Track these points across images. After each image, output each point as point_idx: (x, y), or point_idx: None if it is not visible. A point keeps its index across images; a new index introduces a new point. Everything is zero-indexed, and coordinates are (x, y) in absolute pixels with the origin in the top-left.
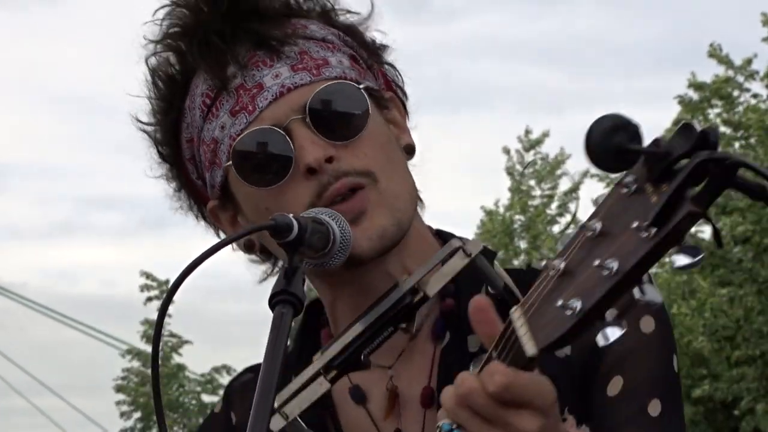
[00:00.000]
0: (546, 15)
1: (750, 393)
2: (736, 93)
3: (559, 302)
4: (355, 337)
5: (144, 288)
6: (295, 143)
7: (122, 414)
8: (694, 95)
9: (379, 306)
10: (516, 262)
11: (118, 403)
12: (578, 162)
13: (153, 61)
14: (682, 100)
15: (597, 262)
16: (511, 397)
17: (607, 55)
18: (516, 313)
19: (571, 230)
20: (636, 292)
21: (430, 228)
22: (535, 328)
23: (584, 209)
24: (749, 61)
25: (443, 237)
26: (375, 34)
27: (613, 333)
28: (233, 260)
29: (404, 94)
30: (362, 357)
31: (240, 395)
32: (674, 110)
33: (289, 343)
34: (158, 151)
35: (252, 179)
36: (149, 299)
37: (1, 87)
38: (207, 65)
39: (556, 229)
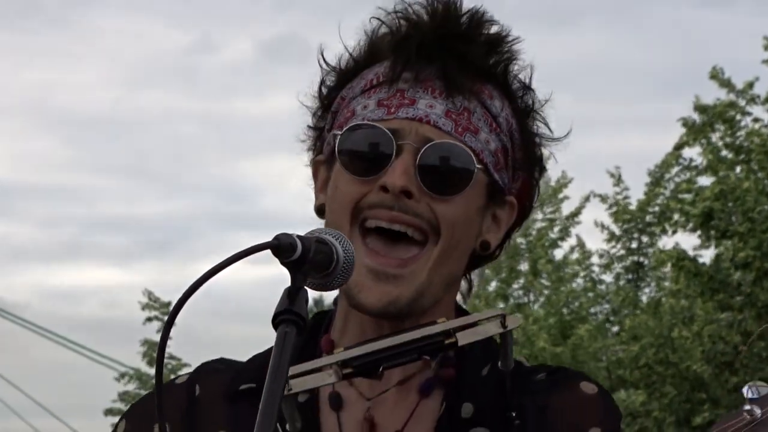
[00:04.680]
0: (550, 39)
1: None
2: (738, 117)
3: None
4: (382, 348)
5: (145, 307)
6: (393, 162)
7: None
8: (698, 118)
9: (413, 332)
10: (515, 285)
11: (113, 425)
12: (580, 186)
13: (374, 25)
14: (686, 122)
15: None
16: None
17: (611, 79)
18: None
19: None
20: None
21: (457, 306)
22: None
23: (585, 233)
24: (751, 85)
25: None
26: (546, 153)
27: None
28: (235, 283)
29: (529, 212)
30: (380, 369)
31: (210, 375)
32: (676, 134)
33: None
34: (320, 89)
35: (344, 158)
36: (149, 319)
37: (8, 108)
38: (394, 59)
39: (558, 253)
